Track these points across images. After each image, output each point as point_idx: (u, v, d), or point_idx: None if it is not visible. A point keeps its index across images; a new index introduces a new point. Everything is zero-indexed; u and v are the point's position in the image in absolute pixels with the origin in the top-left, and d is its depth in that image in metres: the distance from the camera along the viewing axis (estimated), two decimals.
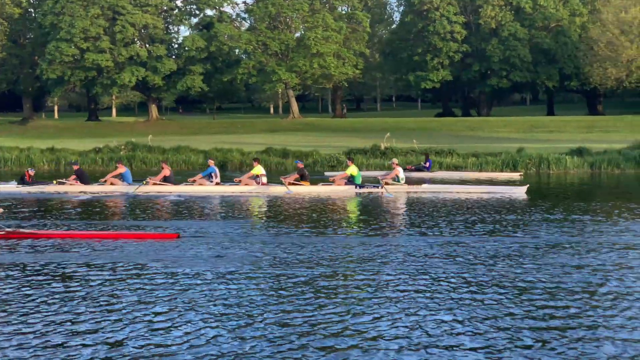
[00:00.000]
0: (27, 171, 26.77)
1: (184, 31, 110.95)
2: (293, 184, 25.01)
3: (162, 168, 26.17)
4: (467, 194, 24.26)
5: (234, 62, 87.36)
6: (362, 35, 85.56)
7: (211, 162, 27.42)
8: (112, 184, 25.78)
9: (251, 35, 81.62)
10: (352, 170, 25.35)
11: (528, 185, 24.66)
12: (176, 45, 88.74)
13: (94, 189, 25.60)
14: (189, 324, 8.74)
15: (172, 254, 13.18)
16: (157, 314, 9.19)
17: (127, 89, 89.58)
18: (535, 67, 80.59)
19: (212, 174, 26.15)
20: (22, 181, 26.15)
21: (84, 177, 26.31)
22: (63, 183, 25.94)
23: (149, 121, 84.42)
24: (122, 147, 42.66)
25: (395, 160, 27.38)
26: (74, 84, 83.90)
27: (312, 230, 16.11)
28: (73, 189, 25.47)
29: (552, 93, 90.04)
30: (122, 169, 26.47)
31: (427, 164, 33.82)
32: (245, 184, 25.30)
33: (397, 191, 24.55)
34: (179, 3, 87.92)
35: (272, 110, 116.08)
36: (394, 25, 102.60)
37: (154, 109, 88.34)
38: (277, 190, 24.78)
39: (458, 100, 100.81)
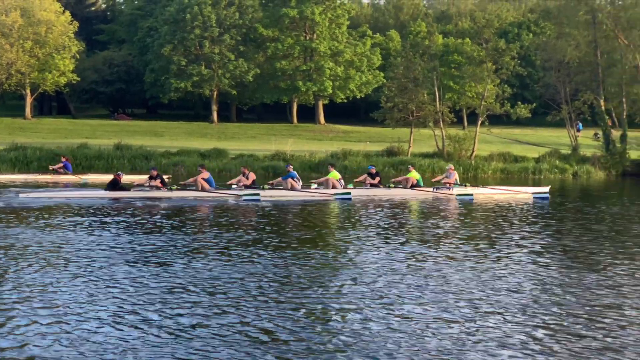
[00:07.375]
0: (118, 174, 23.97)
1: None
2: (374, 185, 26.23)
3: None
4: (507, 194, 26.76)
5: None
6: None
7: (290, 168, 26.28)
8: (202, 188, 24.42)
9: None
10: (415, 174, 26.80)
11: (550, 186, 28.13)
12: None
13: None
14: None
15: None
16: None
17: None
18: None
19: (295, 179, 25.37)
20: (113, 187, 23.31)
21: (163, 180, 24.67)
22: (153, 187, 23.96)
23: None
24: None
25: (452, 166, 28.16)
26: None
27: None
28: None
29: None
30: (205, 174, 24.66)
31: None
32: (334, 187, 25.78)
33: (447, 194, 26.12)
34: None
35: None
36: None
37: None
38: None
39: None
